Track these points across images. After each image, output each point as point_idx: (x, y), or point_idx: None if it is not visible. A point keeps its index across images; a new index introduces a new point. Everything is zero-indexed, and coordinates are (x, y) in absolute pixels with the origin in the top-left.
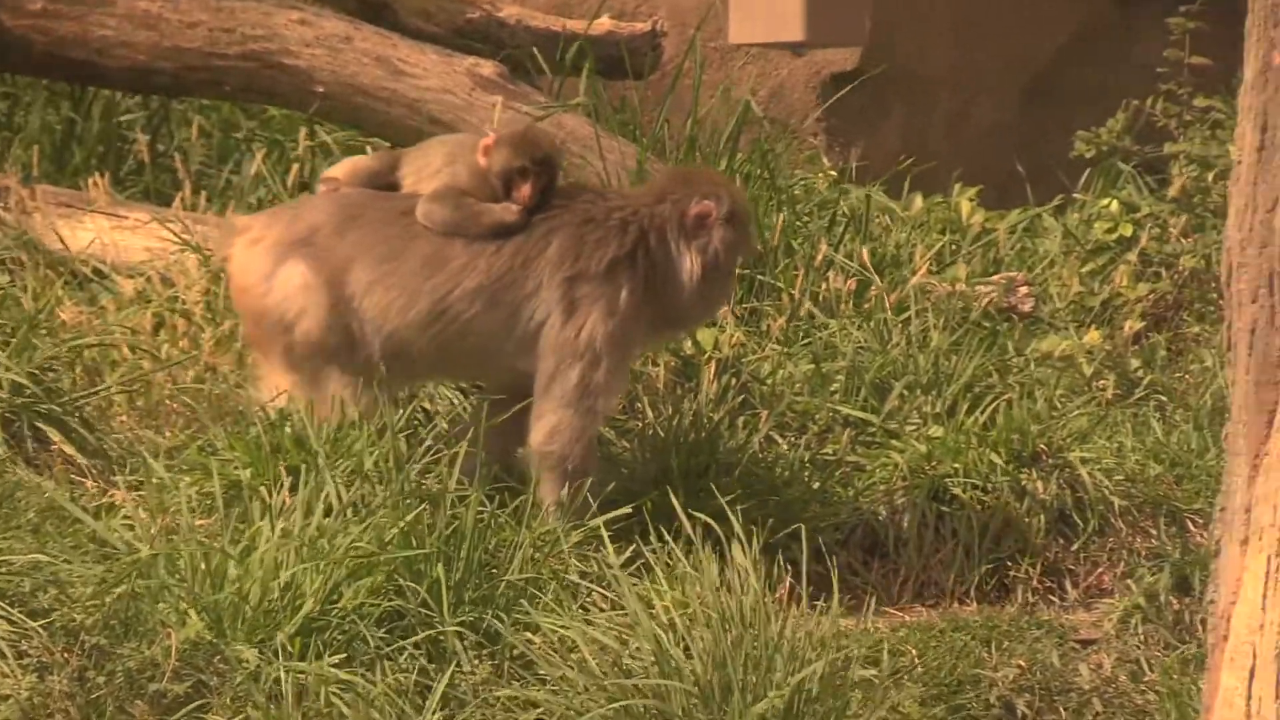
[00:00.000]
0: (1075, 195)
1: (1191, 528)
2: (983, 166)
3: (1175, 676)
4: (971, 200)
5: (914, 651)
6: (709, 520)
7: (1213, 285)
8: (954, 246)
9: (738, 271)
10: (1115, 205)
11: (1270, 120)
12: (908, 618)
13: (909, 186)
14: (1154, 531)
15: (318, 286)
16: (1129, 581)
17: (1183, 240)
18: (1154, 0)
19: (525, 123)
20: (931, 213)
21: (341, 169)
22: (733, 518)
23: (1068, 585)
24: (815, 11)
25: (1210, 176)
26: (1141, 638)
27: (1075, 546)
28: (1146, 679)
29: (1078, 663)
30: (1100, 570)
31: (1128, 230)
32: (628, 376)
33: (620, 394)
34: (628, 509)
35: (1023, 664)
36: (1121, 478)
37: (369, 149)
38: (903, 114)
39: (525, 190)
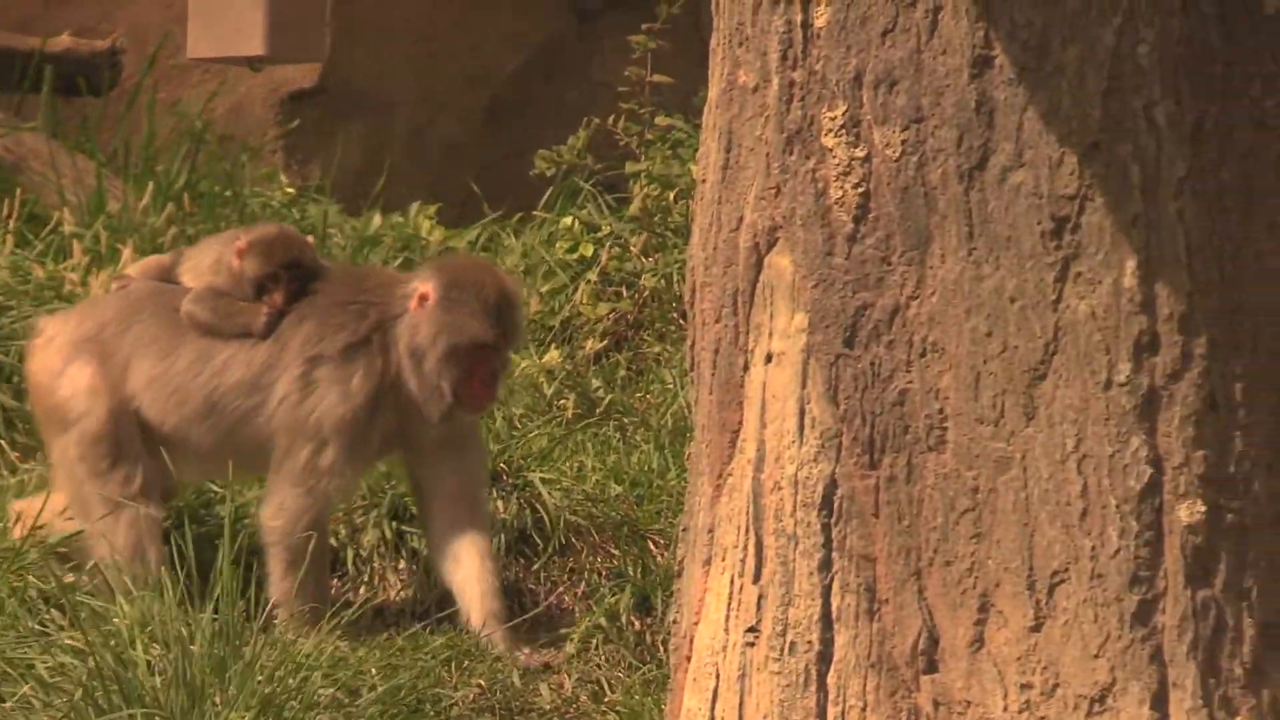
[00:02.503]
0: (535, 213)
1: (653, 548)
2: (444, 184)
3: (637, 697)
4: (430, 218)
5: (374, 671)
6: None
7: (674, 305)
8: (413, 263)
9: (468, 358)
10: (575, 224)
11: (735, 139)
12: (370, 637)
13: (369, 204)
14: (615, 551)
15: (103, 388)
16: (590, 602)
17: (644, 259)
18: (615, 18)
19: (275, 226)
20: (391, 230)
21: (136, 266)
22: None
23: (529, 605)
24: (275, 26)
25: (671, 195)
26: (603, 658)
27: (536, 566)
28: (608, 699)
29: (539, 683)
30: (561, 590)
31: (588, 250)
32: (363, 459)
33: (352, 477)
34: None
35: (483, 684)
36: (582, 497)
37: None
38: (363, 131)
39: (277, 297)
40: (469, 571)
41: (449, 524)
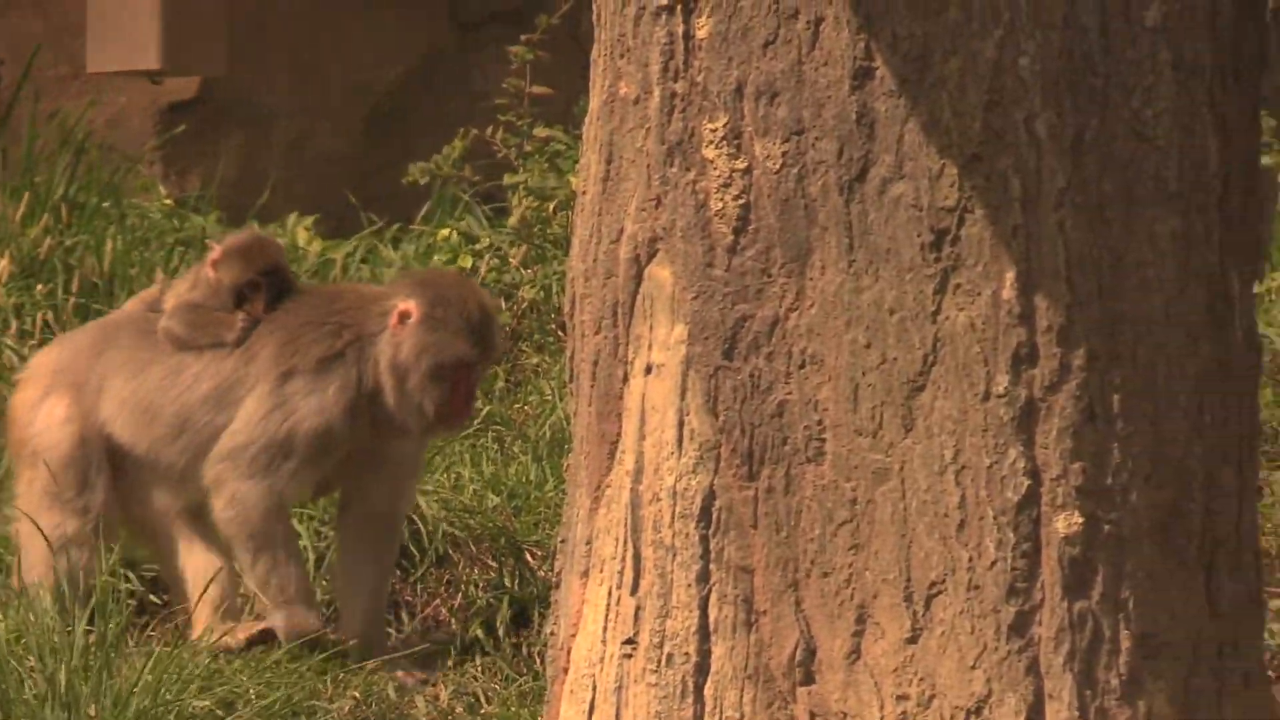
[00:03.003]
0: (414, 225)
1: (531, 560)
2: (323, 195)
3: (514, 709)
4: (308, 229)
5: (248, 682)
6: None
7: (552, 316)
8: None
9: (451, 375)
10: (454, 236)
11: (615, 150)
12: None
13: (247, 215)
14: (493, 563)
15: (76, 416)
16: (467, 614)
17: (522, 271)
18: (496, 29)
19: (250, 233)
20: None
21: (130, 302)
22: None
23: (405, 617)
24: (171, 40)
25: (550, 207)
26: (480, 670)
27: (413, 578)
28: (484, 711)
29: (415, 695)
30: (438, 602)
31: (467, 261)
32: (322, 469)
33: (306, 483)
34: None
35: (358, 695)
36: (459, 509)
37: None
38: (241, 142)
39: (257, 304)
40: (360, 588)
41: (361, 538)
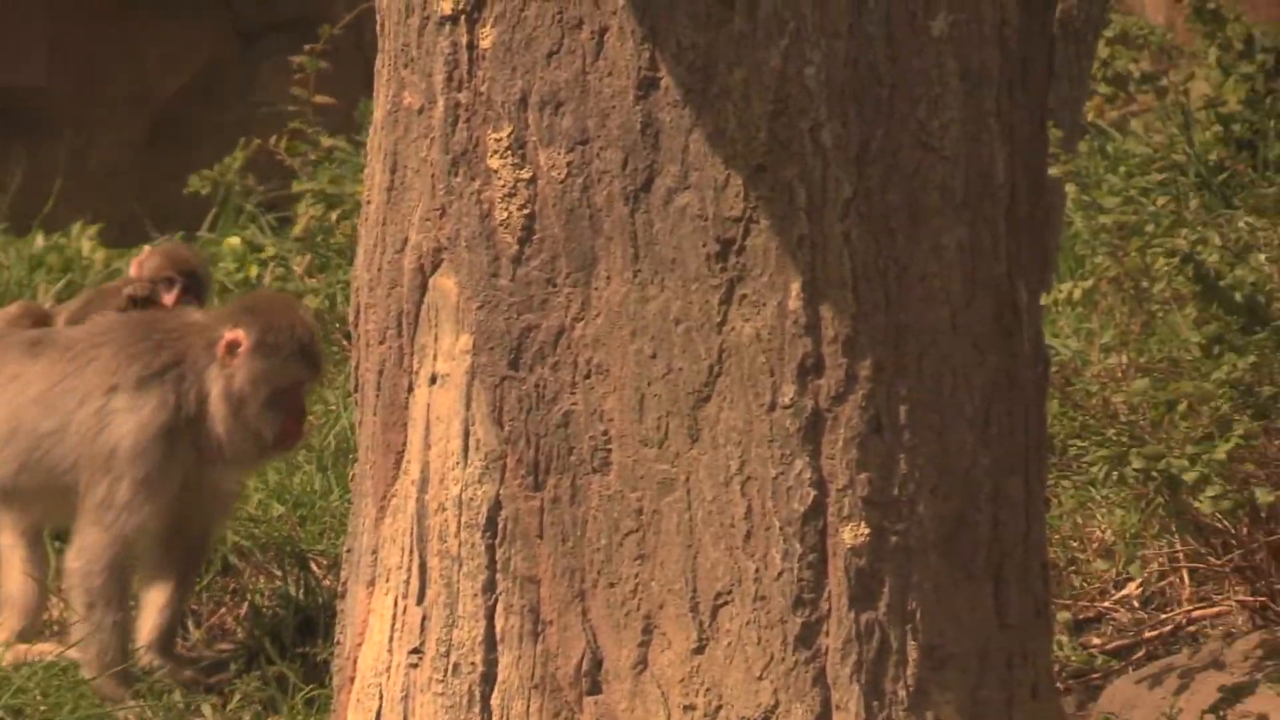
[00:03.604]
0: (199, 234)
1: (316, 569)
2: (106, 205)
3: (300, 718)
4: (93, 239)
5: (38, 691)
6: None
7: (337, 325)
8: (77, 284)
9: (286, 399)
10: (240, 244)
11: (400, 160)
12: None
13: (30, 224)
14: (278, 572)
15: None
16: (252, 623)
17: (306, 280)
18: (277, 39)
19: (182, 243)
20: (55, 251)
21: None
22: None
23: (191, 625)
24: None
25: (334, 216)
26: (266, 679)
27: (199, 587)
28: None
29: (202, 703)
30: (223, 610)
31: (253, 270)
32: (162, 496)
33: (148, 516)
34: None
35: (144, 703)
36: (245, 518)
37: None
38: (24, 150)
39: (167, 298)
40: (157, 599)
41: (169, 552)
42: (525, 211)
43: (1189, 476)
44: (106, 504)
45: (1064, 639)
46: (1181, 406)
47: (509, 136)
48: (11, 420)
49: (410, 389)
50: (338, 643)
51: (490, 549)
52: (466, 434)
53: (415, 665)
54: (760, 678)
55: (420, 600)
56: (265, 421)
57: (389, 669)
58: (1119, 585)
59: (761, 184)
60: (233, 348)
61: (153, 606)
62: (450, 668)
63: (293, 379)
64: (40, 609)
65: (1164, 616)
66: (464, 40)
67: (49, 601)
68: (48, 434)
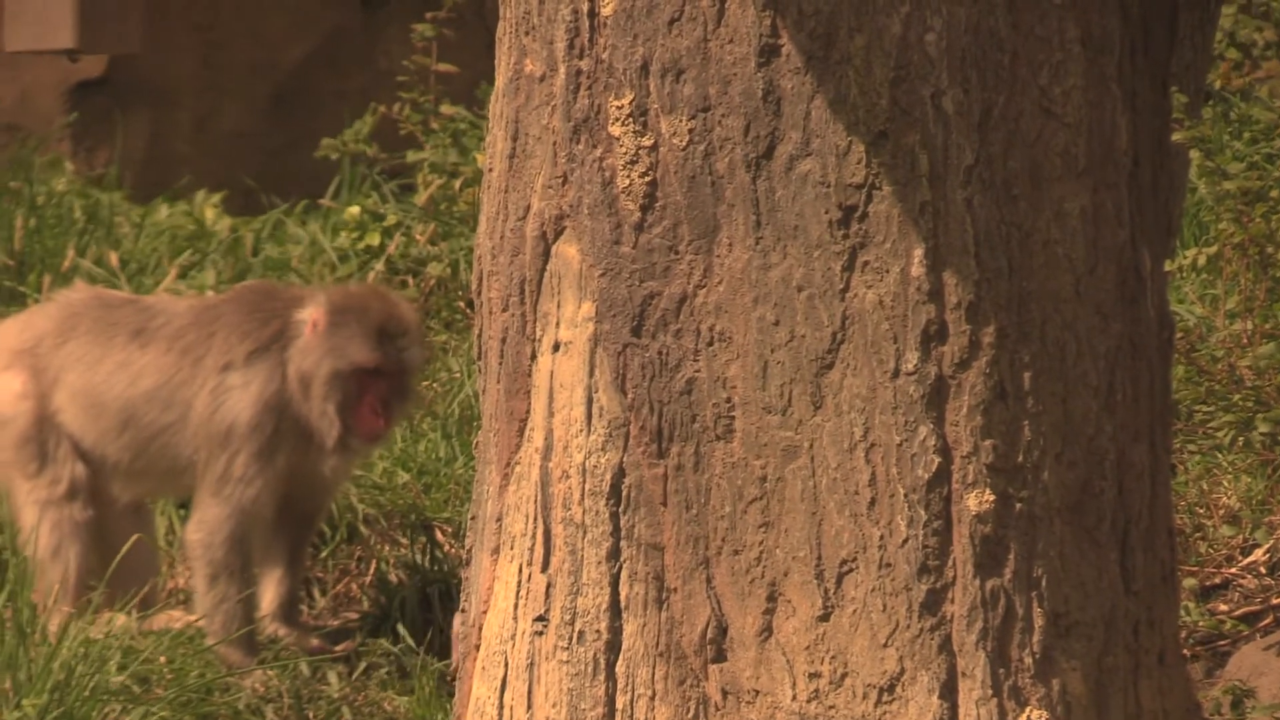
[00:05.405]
0: (322, 202)
1: (441, 536)
2: (229, 173)
3: (425, 685)
4: (216, 206)
5: (164, 660)
6: None
7: (460, 293)
8: (202, 253)
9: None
10: (361, 213)
11: (522, 128)
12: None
13: (156, 193)
14: (403, 540)
15: (32, 394)
16: (378, 590)
17: (430, 248)
18: (401, 6)
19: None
20: (179, 219)
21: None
22: None
23: (317, 594)
24: (85, 18)
25: (457, 185)
26: (391, 645)
27: (324, 554)
28: (396, 687)
29: (327, 670)
30: (349, 579)
31: (375, 238)
32: (273, 470)
33: (263, 487)
34: None
35: (271, 671)
36: (369, 486)
37: None
38: (148, 120)
39: None
40: (274, 571)
41: (281, 526)
42: (647, 179)
43: None
44: (225, 477)
45: (1190, 605)
46: None
47: (630, 104)
48: (125, 411)
49: (533, 356)
50: (463, 610)
51: (614, 516)
52: (590, 401)
53: (540, 633)
54: (885, 645)
55: (545, 568)
56: (330, 402)
57: (514, 636)
58: (1245, 552)
59: (883, 150)
60: (315, 327)
61: (270, 578)
62: (575, 635)
63: (354, 361)
64: (155, 577)
65: None
66: (585, 7)
67: (169, 570)
68: (168, 425)
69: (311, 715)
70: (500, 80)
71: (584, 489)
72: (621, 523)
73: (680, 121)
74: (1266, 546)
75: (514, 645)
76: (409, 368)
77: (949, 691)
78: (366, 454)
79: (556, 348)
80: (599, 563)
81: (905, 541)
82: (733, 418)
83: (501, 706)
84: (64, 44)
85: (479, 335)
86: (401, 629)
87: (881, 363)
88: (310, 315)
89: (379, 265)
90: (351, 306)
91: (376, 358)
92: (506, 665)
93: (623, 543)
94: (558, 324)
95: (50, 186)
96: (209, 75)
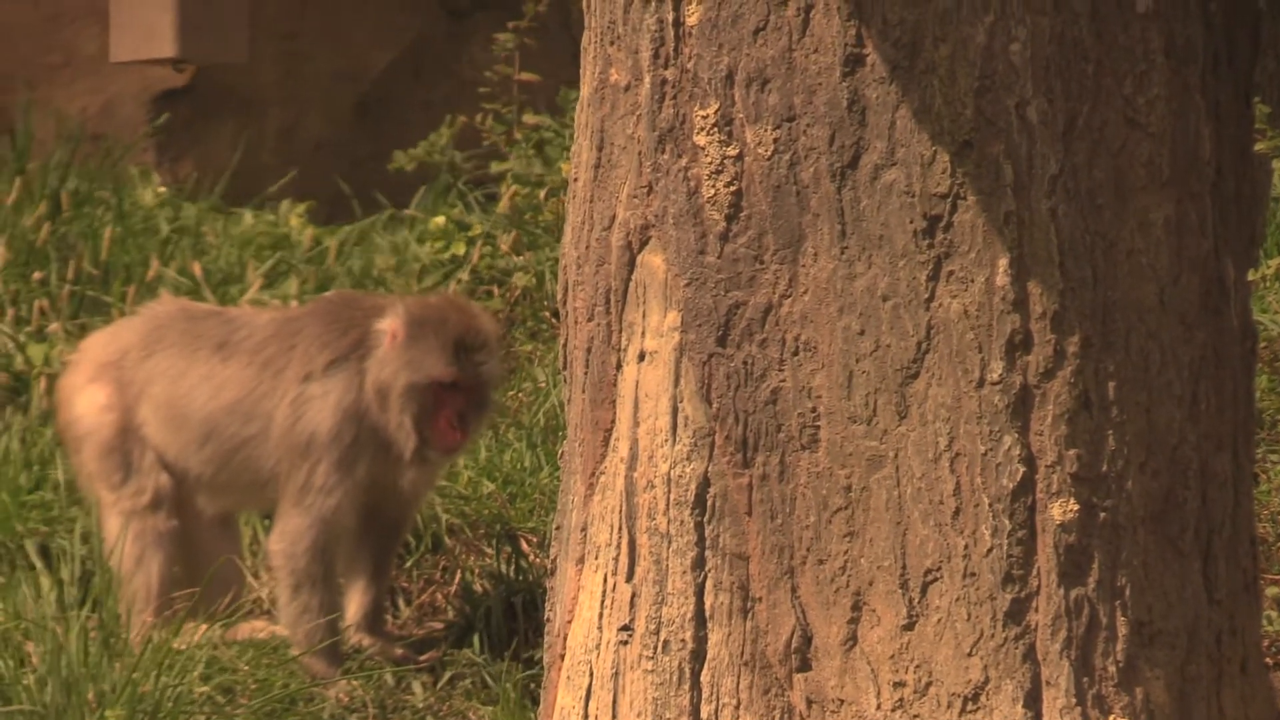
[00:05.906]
0: (406, 212)
1: (526, 546)
2: (314, 182)
3: (510, 695)
4: (301, 216)
5: (247, 669)
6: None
7: (545, 303)
8: (286, 263)
9: (428, 398)
10: (446, 222)
11: (607, 137)
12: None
13: (240, 202)
14: (488, 550)
15: (117, 406)
16: (463, 600)
17: (515, 258)
18: (485, 16)
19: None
20: (263, 229)
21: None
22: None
23: (401, 603)
24: (187, 28)
25: (541, 194)
26: (476, 655)
27: (409, 564)
28: (481, 696)
29: (412, 681)
30: (434, 589)
31: (460, 248)
32: (354, 480)
33: (344, 496)
34: None
35: (356, 681)
36: (455, 496)
37: None
38: (233, 129)
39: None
40: (359, 581)
41: (365, 536)
42: (732, 188)
43: None
44: (306, 487)
45: (1273, 614)
46: None
47: (715, 113)
48: (207, 424)
49: (619, 366)
50: (548, 620)
51: (699, 526)
52: (675, 411)
53: (625, 642)
54: (970, 654)
55: (630, 577)
56: (406, 414)
57: (599, 646)
58: None
59: (968, 160)
60: (394, 339)
61: (355, 588)
62: (660, 645)
63: (430, 374)
64: (239, 587)
65: None
66: (670, 17)
67: (253, 580)
68: (250, 438)
69: None
70: (585, 90)
71: (669, 499)
72: (706, 532)
73: (765, 131)
74: None
75: (599, 655)
76: (487, 381)
77: (1033, 700)
78: (445, 466)
79: (642, 357)
80: (684, 572)
81: (990, 551)
82: (818, 427)
83: (586, 716)
84: (165, 53)
85: (564, 345)
86: (486, 639)
87: (966, 372)
88: (389, 326)
89: (463, 275)
90: (430, 318)
91: (453, 372)
92: (591, 675)
93: (707, 552)
94: (643, 334)
95: (136, 197)
96: (292, 85)
